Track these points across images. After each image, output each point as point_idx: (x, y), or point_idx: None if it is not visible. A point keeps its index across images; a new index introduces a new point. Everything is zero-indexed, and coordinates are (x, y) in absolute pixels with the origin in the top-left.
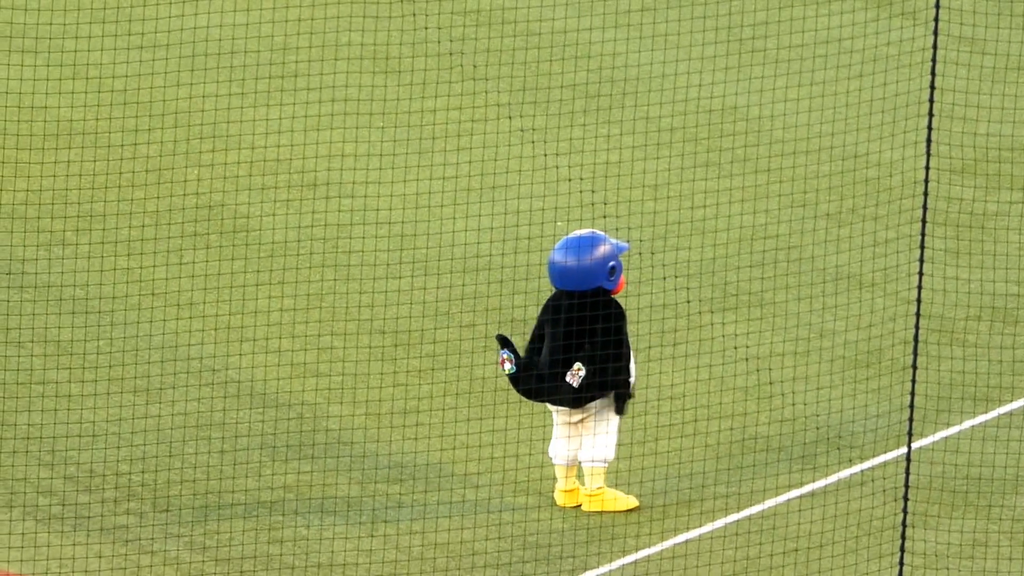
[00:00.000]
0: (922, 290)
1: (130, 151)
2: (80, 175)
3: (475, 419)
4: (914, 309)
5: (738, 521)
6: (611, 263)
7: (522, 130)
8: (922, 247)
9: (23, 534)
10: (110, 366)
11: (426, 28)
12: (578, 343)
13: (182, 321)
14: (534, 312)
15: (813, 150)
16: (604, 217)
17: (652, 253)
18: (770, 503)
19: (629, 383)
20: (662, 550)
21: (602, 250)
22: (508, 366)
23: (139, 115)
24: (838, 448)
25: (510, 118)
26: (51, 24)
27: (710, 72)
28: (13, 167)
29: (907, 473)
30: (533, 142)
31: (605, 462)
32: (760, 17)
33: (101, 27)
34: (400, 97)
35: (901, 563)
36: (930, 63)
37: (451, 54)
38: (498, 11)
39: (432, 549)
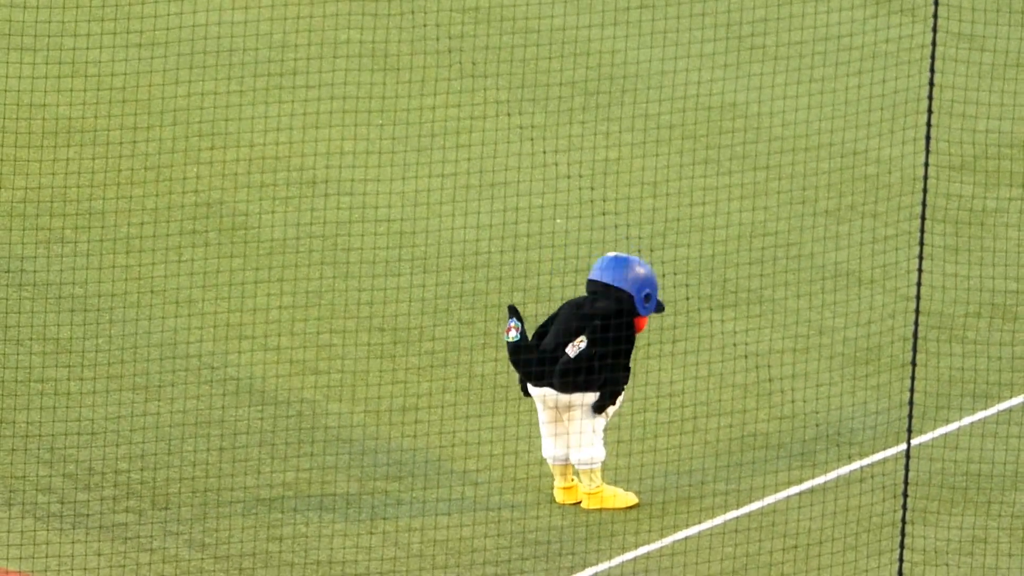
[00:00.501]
0: (921, 287)
1: (129, 149)
2: (79, 173)
3: (474, 416)
4: (913, 306)
5: (738, 518)
6: (650, 291)
7: (521, 127)
8: (921, 244)
9: (22, 532)
10: (109, 364)
11: (425, 25)
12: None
13: (181, 319)
14: (533, 309)
15: (812, 147)
16: (603, 214)
17: (651, 250)
18: (770, 500)
19: (617, 392)
20: (661, 547)
21: (651, 280)
22: (513, 334)
23: (138, 113)
24: (837, 445)
25: (509, 115)
26: (50, 22)
27: (709, 69)
28: (12, 164)
29: (906, 469)
30: (532, 139)
31: (596, 463)
32: (759, 14)
33: (100, 25)
34: (399, 94)
35: (901, 559)
36: (929, 60)
37: (450, 51)
38: (497, 8)
39: (431, 546)
